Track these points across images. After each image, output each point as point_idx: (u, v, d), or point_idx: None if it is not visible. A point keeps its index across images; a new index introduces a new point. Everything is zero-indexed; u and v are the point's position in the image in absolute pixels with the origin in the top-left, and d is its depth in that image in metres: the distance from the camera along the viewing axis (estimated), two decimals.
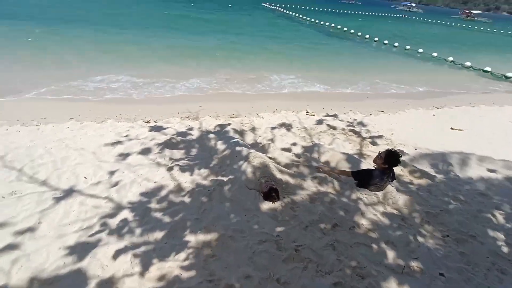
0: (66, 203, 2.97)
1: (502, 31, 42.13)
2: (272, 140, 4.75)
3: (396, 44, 18.26)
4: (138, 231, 2.67)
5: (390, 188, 3.37)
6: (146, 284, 2.15)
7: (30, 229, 2.62)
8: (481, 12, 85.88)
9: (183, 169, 3.70)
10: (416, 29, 34.13)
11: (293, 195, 3.17)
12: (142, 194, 3.20)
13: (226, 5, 36.71)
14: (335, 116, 6.25)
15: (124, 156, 3.95)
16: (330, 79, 9.73)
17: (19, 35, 10.79)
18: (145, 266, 2.30)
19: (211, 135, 4.70)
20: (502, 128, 6.25)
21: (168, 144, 4.31)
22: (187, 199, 3.14)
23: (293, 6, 45.04)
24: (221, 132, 4.84)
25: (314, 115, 6.23)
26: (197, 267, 2.30)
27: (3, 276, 2.16)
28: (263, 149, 4.40)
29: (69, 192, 3.13)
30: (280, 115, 6.11)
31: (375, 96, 8.48)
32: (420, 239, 2.69)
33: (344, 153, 4.14)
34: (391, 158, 3.05)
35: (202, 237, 2.60)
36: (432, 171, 4.08)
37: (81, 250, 2.43)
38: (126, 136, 4.52)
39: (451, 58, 14.99)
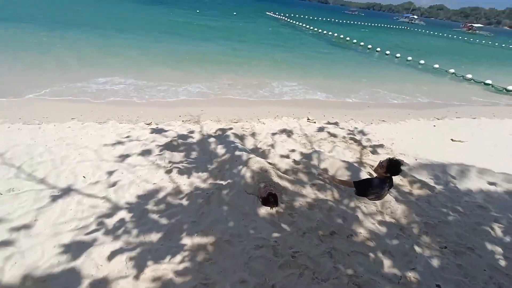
0: (64, 202, 2.96)
1: (504, 45, 42.54)
2: (272, 145, 4.76)
3: (398, 55, 18.42)
4: (134, 232, 2.66)
5: (389, 197, 3.36)
6: (140, 286, 2.13)
7: (26, 226, 2.61)
8: (482, 26, 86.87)
9: (182, 171, 3.70)
10: (418, 41, 34.50)
11: (291, 201, 3.16)
12: (140, 195, 3.19)
13: (230, 13, 37.23)
14: (336, 124, 6.26)
15: (124, 157, 3.95)
16: (332, 87, 9.79)
17: (25, 37, 10.93)
18: (140, 267, 2.28)
19: (212, 139, 4.71)
20: (503, 141, 6.24)
21: (168, 147, 4.32)
22: (185, 202, 3.13)
23: (297, 15, 45.78)
24: (221, 136, 4.85)
25: (315, 122, 6.25)
26: (192, 270, 2.28)
27: None
28: (263, 154, 4.41)
29: (67, 191, 3.13)
30: (281, 121, 6.13)
31: (376, 105, 8.51)
32: (417, 249, 2.66)
33: (344, 161, 4.13)
34: (393, 167, 3.06)
35: (198, 240, 2.58)
36: (431, 182, 4.06)
37: (76, 249, 2.42)
38: (126, 137, 4.54)
39: (452, 70, 15.09)
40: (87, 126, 4.84)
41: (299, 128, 5.81)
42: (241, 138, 4.93)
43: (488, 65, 20.49)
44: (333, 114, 7.04)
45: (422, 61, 16.96)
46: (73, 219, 2.77)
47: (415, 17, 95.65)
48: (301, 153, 4.48)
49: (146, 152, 4.11)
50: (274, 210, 2.99)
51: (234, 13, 37.50)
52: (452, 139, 6.03)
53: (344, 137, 5.47)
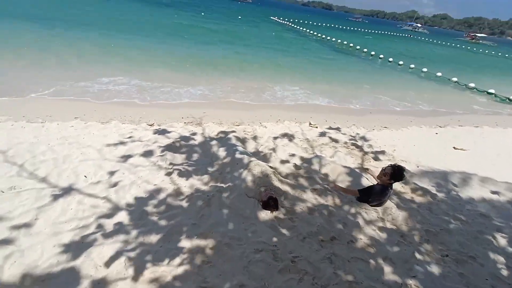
0: (64, 201, 2.96)
1: (507, 55, 42.61)
2: (274, 149, 4.76)
3: (401, 62, 18.47)
4: (134, 233, 2.65)
5: (390, 204, 3.34)
6: (139, 287, 2.12)
7: (26, 225, 2.61)
8: (485, 35, 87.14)
9: (183, 173, 3.70)
10: (421, 49, 34.60)
11: (292, 206, 3.15)
12: (141, 196, 3.19)
13: (235, 17, 37.59)
14: (338, 129, 6.26)
15: (125, 157, 3.96)
16: (334, 93, 9.81)
17: (28, 36, 11.05)
18: (139, 269, 2.27)
19: (213, 142, 4.72)
20: (506, 150, 6.21)
21: (170, 148, 4.33)
22: (185, 204, 3.13)
23: (301, 21, 46.13)
24: (223, 139, 4.86)
25: (317, 127, 6.26)
26: (191, 273, 2.27)
27: None
28: (264, 158, 4.40)
29: (68, 190, 3.13)
30: (283, 125, 6.14)
31: (378, 111, 8.51)
32: (419, 257, 2.64)
33: (345, 167, 4.13)
34: (397, 174, 3.08)
35: (198, 242, 2.57)
36: (433, 189, 4.04)
37: (75, 249, 2.41)
38: (129, 137, 4.56)
39: (455, 79, 15.10)
40: (90, 125, 4.86)
41: (301, 132, 5.81)
42: (243, 141, 4.93)
43: (491, 75, 20.49)
44: (335, 120, 7.04)
45: (425, 69, 16.99)
46: (73, 218, 2.77)
47: (419, 25, 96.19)
48: (303, 158, 4.48)
49: (147, 153, 4.12)
50: (274, 214, 2.98)
51: (239, 17, 37.85)
52: (454, 147, 6.01)
53: (345, 143, 5.46)
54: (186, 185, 3.46)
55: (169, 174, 3.67)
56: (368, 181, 3.84)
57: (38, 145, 3.92)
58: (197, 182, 3.55)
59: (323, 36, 28.11)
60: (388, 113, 8.46)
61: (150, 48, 12.46)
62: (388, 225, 3.08)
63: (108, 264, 2.29)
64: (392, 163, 3.35)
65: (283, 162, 4.28)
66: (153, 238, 2.61)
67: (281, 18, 45.62)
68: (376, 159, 4.92)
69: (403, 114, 8.53)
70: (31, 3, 18.61)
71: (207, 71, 10.29)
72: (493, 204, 3.87)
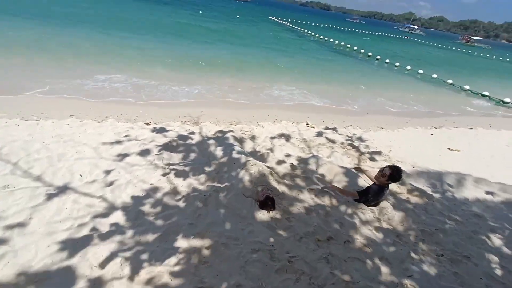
0: (59, 200, 2.93)
1: (501, 58, 43.21)
2: (271, 149, 4.76)
3: (397, 63, 18.62)
4: (130, 233, 2.63)
5: (386, 204, 3.37)
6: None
7: (20, 225, 2.57)
8: (481, 38, 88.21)
9: (180, 172, 3.68)
10: (417, 51, 34.90)
11: (289, 206, 3.15)
12: (137, 195, 3.17)
13: (234, 16, 37.51)
14: (334, 129, 6.28)
15: (121, 156, 3.93)
16: (331, 93, 9.85)
17: (24, 33, 10.90)
18: (135, 269, 2.25)
19: (211, 141, 4.70)
20: (500, 151, 6.30)
21: (167, 147, 4.31)
22: (182, 204, 3.11)
23: (299, 21, 46.23)
24: (220, 138, 4.84)
25: (314, 127, 6.27)
26: (188, 273, 2.25)
27: None
28: (261, 157, 4.40)
29: (63, 189, 3.10)
30: (280, 125, 6.14)
31: (374, 112, 8.56)
32: (414, 257, 2.66)
33: (342, 167, 4.14)
34: (395, 175, 3.13)
35: (194, 242, 2.56)
36: (428, 190, 4.08)
37: (70, 248, 2.38)
38: (125, 136, 4.52)
39: (450, 81, 15.27)
40: (86, 123, 4.81)
41: (298, 132, 5.82)
42: (240, 140, 4.92)
43: (485, 77, 20.76)
44: (332, 120, 7.06)
45: (420, 71, 17.15)
46: (68, 218, 2.74)
47: (416, 27, 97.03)
48: (300, 158, 4.49)
49: (144, 152, 4.09)
50: (271, 214, 2.98)
51: (238, 16, 37.77)
52: (449, 148, 6.07)
53: (342, 143, 5.48)
54: (183, 185, 3.44)
55: (165, 173, 3.64)
56: (364, 181, 3.86)
57: (33, 143, 3.86)
58: (194, 182, 3.54)
59: (321, 36, 28.20)
60: (384, 114, 8.52)
61: (147, 46, 12.37)
62: (384, 225, 3.10)
63: (103, 264, 2.26)
64: (390, 164, 3.38)
65: (280, 162, 4.28)
66: (150, 237, 2.59)
67: (280, 18, 45.66)
68: (372, 159, 4.95)
69: (399, 115, 8.60)
70: (28, 1, 18.38)
71: (205, 70, 10.25)
72: (487, 205, 3.92)
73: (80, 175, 3.38)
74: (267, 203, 3.00)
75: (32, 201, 2.86)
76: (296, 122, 6.49)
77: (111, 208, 2.92)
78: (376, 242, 2.80)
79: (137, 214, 2.87)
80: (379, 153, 5.22)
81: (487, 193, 4.19)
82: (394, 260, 2.59)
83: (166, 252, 2.44)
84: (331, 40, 26.36)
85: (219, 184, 3.42)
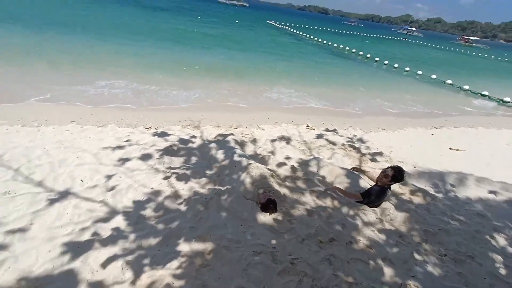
0: (60, 205, 2.92)
1: (499, 58, 43.36)
2: (272, 152, 4.76)
3: (396, 65, 18.69)
4: (131, 237, 2.62)
5: (388, 204, 3.35)
6: None
7: (21, 230, 2.56)
8: (478, 39, 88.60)
9: (181, 176, 3.68)
10: (415, 52, 35.06)
11: (290, 208, 3.14)
12: (138, 200, 3.16)
13: (232, 21, 37.81)
14: (335, 131, 6.29)
15: (122, 161, 3.93)
16: (331, 96, 9.88)
17: (24, 40, 11.01)
18: (136, 273, 2.24)
19: (211, 144, 4.71)
20: (500, 151, 6.28)
21: (167, 151, 4.31)
22: (183, 207, 3.10)
23: (297, 25, 46.53)
24: (221, 141, 4.85)
25: (314, 129, 6.28)
26: (189, 277, 2.24)
27: None
28: (262, 160, 4.40)
29: (64, 194, 3.09)
30: (281, 128, 6.15)
31: (374, 113, 8.57)
32: (417, 257, 2.64)
33: (343, 168, 4.14)
34: (398, 175, 3.13)
35: (196, 246, 2.55)
36: (430, 190, 4.06)
37: (71, 253, 2.38)
38: (126, 141, 4.53)
39: (449, 81, 15.30)
40: (86, 129, 4.83)
41: (298, 134, 5.82)
42: (241, 144, 4.93)
43: (484, 77, 20.82)
44: (332, 122, 7.07)
45: (419, 72, 17.21)
46: (69, 223, 2.73)
47: (413, 29, 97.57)
48: (300, 160, 4.48)
49: (145, 157, 4.09)
50: (273, 216, 2.97)
51: (237, 21, 38.07)
52: (450, 148, 6.06)
53: (343, 145, 5.48)
54: (184, 188, 3.44)
55: (166, 177, 3.64)
56: (366, 182, 3.85)
57: (34, 149, 3.88)
58: (195, 185, 3.53)
59: (320, 40, 28.39)
60: (384, 115, 8.53)
61: (146, 52, 12.47)
62: (387, 226, 3.08)
63: (104, 268, 2.25)
64: (392, 165, 3.37)
65: (281, 164, 4.28)
66: (151, 241, 2.58)
67: (278, 22, 46.01)
68: (373, 160, 4.94)
69: (399, 116, 8.61)
70: (28, 8, 18.57)
71: (204, 75, 10.30)
72: (489, 204, 3.89)
73: (81, 180, 3.39)
74: (269, 205, 2.99)
75: (33, 206, 2.86)
76: (296, 125, 6.50)
77: (112, 213, 2.92)
78: (378, 243, 2.78)
79: (138, 218, 2.86)
80: (380, 154, 5.22)
81: (490, 192, 4.17)
82: (397, 261, 2.57)
83: (168, 255, 2.42)
84: (330, 43, 26.52)
85: (220, 187, 3.41)
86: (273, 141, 5.29)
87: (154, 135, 4.88)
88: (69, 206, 2.93)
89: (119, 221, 2.80)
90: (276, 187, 3.37)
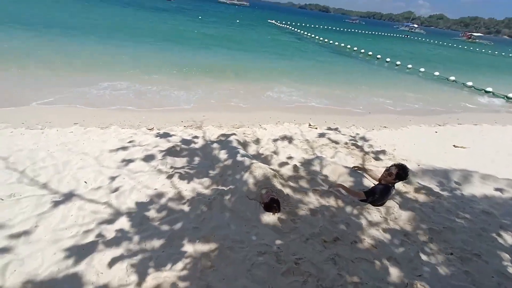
0: (65, 207, 2.94)
1: (503, 54, 42.91)
2: (274, 151, 4.75)
3: (398, 62, 18.57)
4: (135, 238, 2.63)
5: (392, 203, 3.33)
6: None
7: (26, 233, 2.58)
8: (482, 35, 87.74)
9: (184, 177, 3.68)
10: (418, 49, 34.81)
11: (294, 207, 3.13)
12: (142, 201, 3.17)
13: (233, 20, 37.79)
14: (337, 130, 6.26)
15: (126, 162, 3.94)
16: (333, 94, 9.84)
17: (26, 42, 11.08)
18: (141, 275, 2.24)
19: (214, 145, 4.71)
20: (505, 147, 6.22)
21: (170, 152, 4.32)
22: (186, 208, 3.10)
23: (298, 23, 46.41)
24: (223, 141, 4.85)
25: (316, 128, 6.25)
26: (194, 278, 2.24)
27: None
28: (265, 160, 4.39)
29: (69, 196, 3.11)
30: (283, 127, 6.13)
31: (377, 111, 8.52)
32: (423, 256, 2.62)
33: (346, 167, 4.11)
34: (402, 173, 3.12)
35: (200, 246, 2.55)
36: (435, 188, 4.03)
37: (76, 255, 2.38)
38: (129, 142, 4.54)
39: (453, 78, 15.17)
40: (90, 131, 4.85)
41: (301, 134, 5.81)
42: (243, 143, 4.92)
43: (488, 73, 20.62)
44: (334, 120, 7.04)
45: (422, 69, 17.08)
46: (74, 225, 2.75)
47: (415, 26, 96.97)
48: (303, 159, 4.47)
49: (148, 158, 4.10)
50: (276, 216, 2.96)
51: (237, 21, 38.06)
52: (454, 145, 6.01)
53: (346, 143, 5.46)
54: (187, 189, 3.44)
55: (169, 178, 3.65)
56: (369, 181, 3.83)
57: (38, 152, 3.90)
58: (198, 186, 3.53)
59: (321, 38, 28.27)
60: (387, 113, 8.48)
61: (147, 53, 12.50)
62: (391, 225, 3.06)
63: (109, 270, 2.26)
64: (396, 163, 3.35)
65: (284, 163, 4.26)
66: (155, 243, 2.58)
67: (279, 21, 45.89)
68: (377, 158, 4.91)
69: (402, 114, 8.55)
70: (27, 11, 18.69)
71: (205, 75, 10.31)
72: (495, 201, 3.85)
73: (85, 182, 3.40)
74: (272, 205, 2.98)
75: (38, 209, 2.88)
76: (298, 124, 6.48)
77: (116, 214, 2.93)
78: (383, 242, 2.76)
79: (142, 220, 2.87)
80: (383, 152, 5.19)
81: (495, 189, 4.13)
82: (402, 260, 2.55)
83: (172, 257, 2.43)
84: (331, 41, 26.39)
85: (223, 187, 3.41)
86: (275, 140, 5.28)
87: (156, 136, 4.89)
88: (74, 208, 2.94)
89: (123, 223, 2.81)
90: (279, 186, 3.36)
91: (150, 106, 6.80)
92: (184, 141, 4.76)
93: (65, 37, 12.90)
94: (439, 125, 7.55)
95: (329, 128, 6.32)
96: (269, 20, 47.52)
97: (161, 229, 2.77)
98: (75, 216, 2.84)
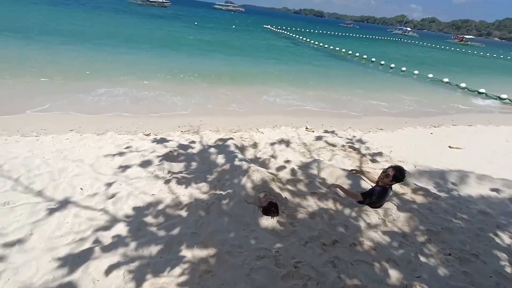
0: (60, 215, 2.90)
1: (495, 55, 43.64)
2: (272, 155, 4.75)
3: (393, 65, 18.79)
4: (132, 245, 2.60)
5: (390, 205, 3.33)
6: None
7: (20, 241, 2.54)
8: (473, 37, 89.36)
9: (181, 182, 3.66)
10: (411, 52, 35.31)
11: (292, 211, 3.12)
12: (139, 207, 3.14)
13: (229, 26, 38.08)
14: (334, 132, 6.29)
15: (122, 168, 3.92)
16: (329, 97, 9.91)
17: (23, 49, 11.05)
18: (138, 281, 2.21)
19: (211, 149, 4.70)
20: (500, 147, 6.28)
21: (167, 157, 4.30)
22: (184, 213, 3.08)
23: (293, 28, 46.91)
24: (221, 146, 4.84)
25: (313, 131, 6.28)
26: (192, 283, 2.21)
27: None
28: (263, 164, 4.39)
29: (64, 204, 3.07)
30: (280, 131, 6.15)
31: (373, 114, 8.59)
32: (422, 257, 2.62)
33: (344, 169, 4.12)
34: (399, 174, 3.12)
35: (198, 252, 2.52)
36: (432, 189, 4.04)
37: (72, 263, 2.35)
38: (125, 148, 4.51)
39: (446, 79, 15.38)
40: (86, 137, 4.82)
41: (298, 137, 5.82)
42: (241, 148, 4.92)
43: (481, 75, 20.94)
44: (331, 123, 7.08)
45: (416, 71, 17.30)
46: (69, 232, 2.71)
47: (408, 29, 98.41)
48: (301, 162, 4.47)
49: (145, 163, 4.08)
50: (275, 219, 2.95)
51: (233, 26, 38.36)
52: (449, 146, 6.06)
53: (343, 146, 5.48)
54: (185, 194, 3.42)
55: (167, 183, 3.62)
56: (367, 184, 3.84)
57: (33, 159, 3.86)
58: (196, 191, 3.51)
59: (316, 42, 28.57)
60: (382, 115, 8.55)
61: (144, 59, 12.53)
62: (390, 226, 3.06)
63: (106, 277, 2.22)
64: (393, 165, 3.37)
65: (282, 167, 4.27)
66: (152, 249, 2.55)
67: (274, 26, 46.32)
68: (373, 161, 4.93)
69: (397, 116, 8.62)
70: (22, 19, 18.68)
71: (202, 80, 10.34)
72: (491, 201, 3.88)
73: (81, 188, 3.37)
74: (270, 209, 2.97)
75: (32, 216, 2.84)
76: (295, 127, 6.51)
77: (113, 221, 2.89)
78: (382, 243, 2.75)
79: (139, 226, 2.84)
80: (380, 154, 5.21)
81: (492, 189, 4.15)
82: (401, 262, 2.54)
83: (170, 262, 2.40)
84: (326, 45, 26.68)
85: (221, 192, 3.39)
86: (272, 144, 5.28)
87: (153, 141, 4.87)
88: (69, 215, 2.91)
89: (120, 229, 2.78)
90: (277, 190, 3.35)
91: (147, 112, 6.79)
92: (181, 146, 4.75)
93: (60, 45, 12.89)
94: (434, 127, 7.62)
95: (326, 131, 6.35)
96: (264, 26, 47.95)
97: (158, 234, 2.74)
98: (70, 224, 2.81)
